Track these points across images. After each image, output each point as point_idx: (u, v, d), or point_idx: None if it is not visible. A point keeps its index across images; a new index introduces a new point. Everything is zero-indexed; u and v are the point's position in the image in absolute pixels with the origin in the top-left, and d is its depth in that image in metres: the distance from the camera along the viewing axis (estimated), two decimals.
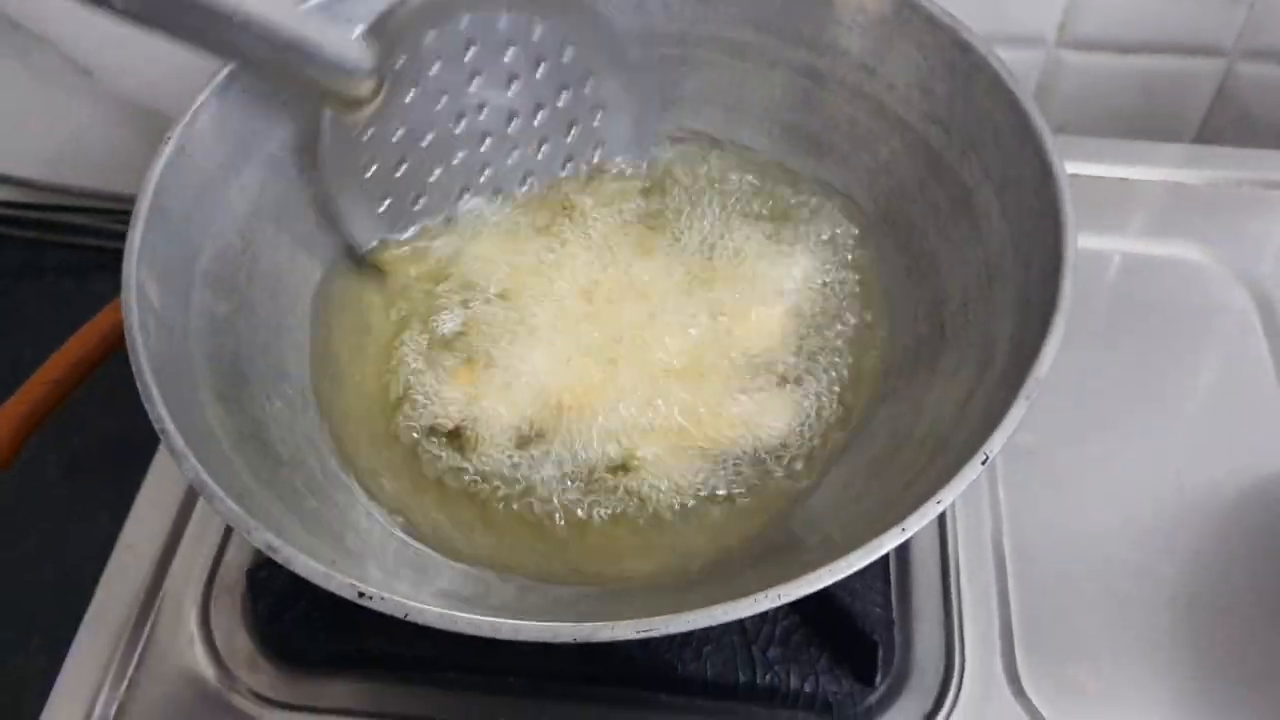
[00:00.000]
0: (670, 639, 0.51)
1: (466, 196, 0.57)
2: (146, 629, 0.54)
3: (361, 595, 0.37)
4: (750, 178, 0.60)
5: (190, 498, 0.58)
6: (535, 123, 0.57)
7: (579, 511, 0.50)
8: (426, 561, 0.49)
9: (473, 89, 0.54)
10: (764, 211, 0.59)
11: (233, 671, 0.52)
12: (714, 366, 0.53)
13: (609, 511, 0.50)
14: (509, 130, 0.56)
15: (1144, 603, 0.54)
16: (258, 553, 0.49)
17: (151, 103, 0.80)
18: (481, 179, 0.57)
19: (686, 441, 0.51)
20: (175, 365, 0.45)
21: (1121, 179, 0.71)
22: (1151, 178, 0.71)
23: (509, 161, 0.58)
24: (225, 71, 0.50)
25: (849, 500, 0.48)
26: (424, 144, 0.54)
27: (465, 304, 0.56)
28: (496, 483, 0.51)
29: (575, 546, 0.49)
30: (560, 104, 0.57)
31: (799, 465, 0.51)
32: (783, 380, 0.53)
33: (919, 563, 0.55)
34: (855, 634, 0.50)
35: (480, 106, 0.55)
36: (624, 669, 0.51)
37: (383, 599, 0.37)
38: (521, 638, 0.36)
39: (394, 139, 0.53)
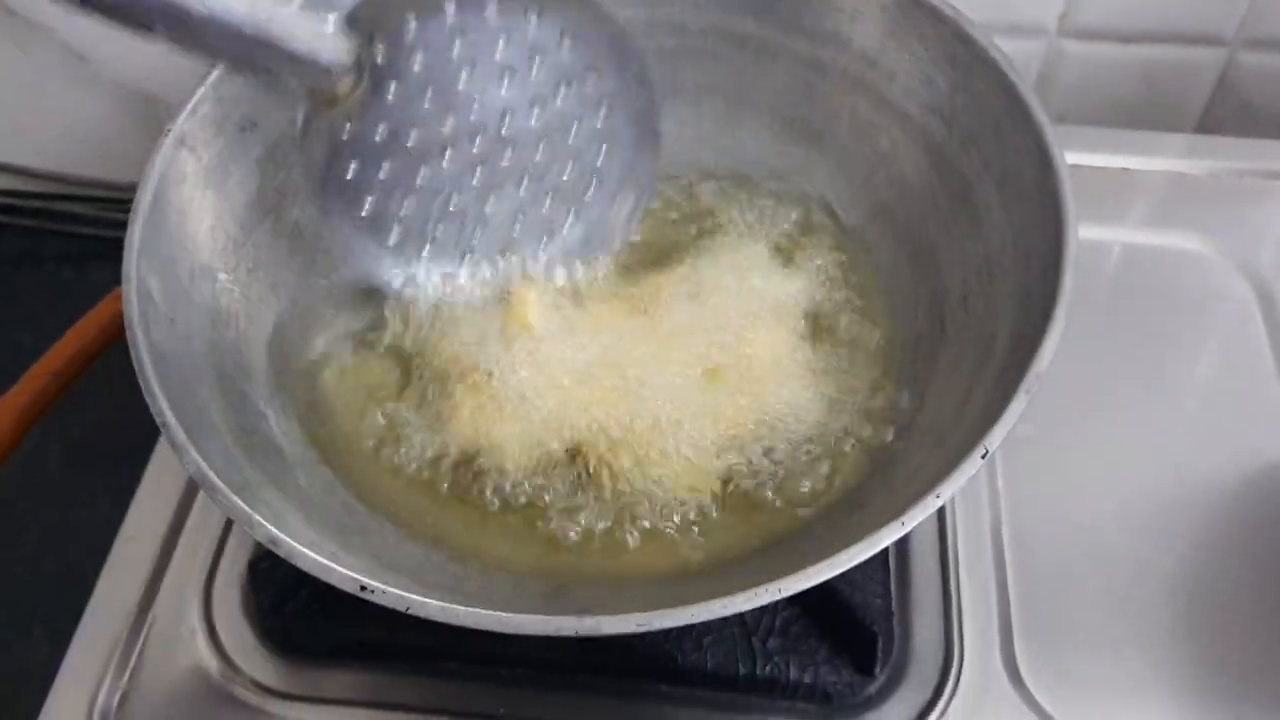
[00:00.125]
0: (670, 630, 0.51)
1: (456, 198, 0.53)
2: (148, 620, 0.54)
3: (363, 589, 0.37)
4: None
5: (192, 489, 0.58)
6: (532, 121, 0.52)
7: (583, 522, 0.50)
8: (426, 554, 0.49)
9: (462, 85, 0.49)
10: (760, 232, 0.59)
11: (234, 662, 0.53)
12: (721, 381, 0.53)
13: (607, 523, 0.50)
14: (503, 130, 0.51)
15: (1143, 593, 0.54)
16: (259, 544, 0.49)
17: (151, 90, 0.80)
18: (474, 181, 0.52)
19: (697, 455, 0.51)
20: (176, 359, 0.45)
21: (1122, 169, 0.71)
22: (1152, 168, 0.71)
23: (503, 163, 0.52)
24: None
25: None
26: (409, 143, 0.50)
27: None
28: (493, 488, 0.51)
29: (580, 550, 0.50)
30: (559, 102, 0.52)
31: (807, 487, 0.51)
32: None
33: (918, 554, 0.55)
34: (855, 625, 0.50)
35: (471, 103, 0.50)
36: (624, 660, 0.51)
37: (384, 592, 0.37)
38: (523, 631, 0.36)
39: (376, 137, 0.49)
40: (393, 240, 0.53)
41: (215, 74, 0.50)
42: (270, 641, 0.53)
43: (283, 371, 0.52)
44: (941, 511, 0.56)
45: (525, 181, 0.53)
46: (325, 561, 0.37)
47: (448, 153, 0.51)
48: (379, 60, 0.47)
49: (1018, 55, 0.49)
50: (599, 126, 0.53)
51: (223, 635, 0.53)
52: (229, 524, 0.57)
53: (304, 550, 0.38)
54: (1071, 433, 0.59)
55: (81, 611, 0.55)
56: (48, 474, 0.72)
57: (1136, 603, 0.54)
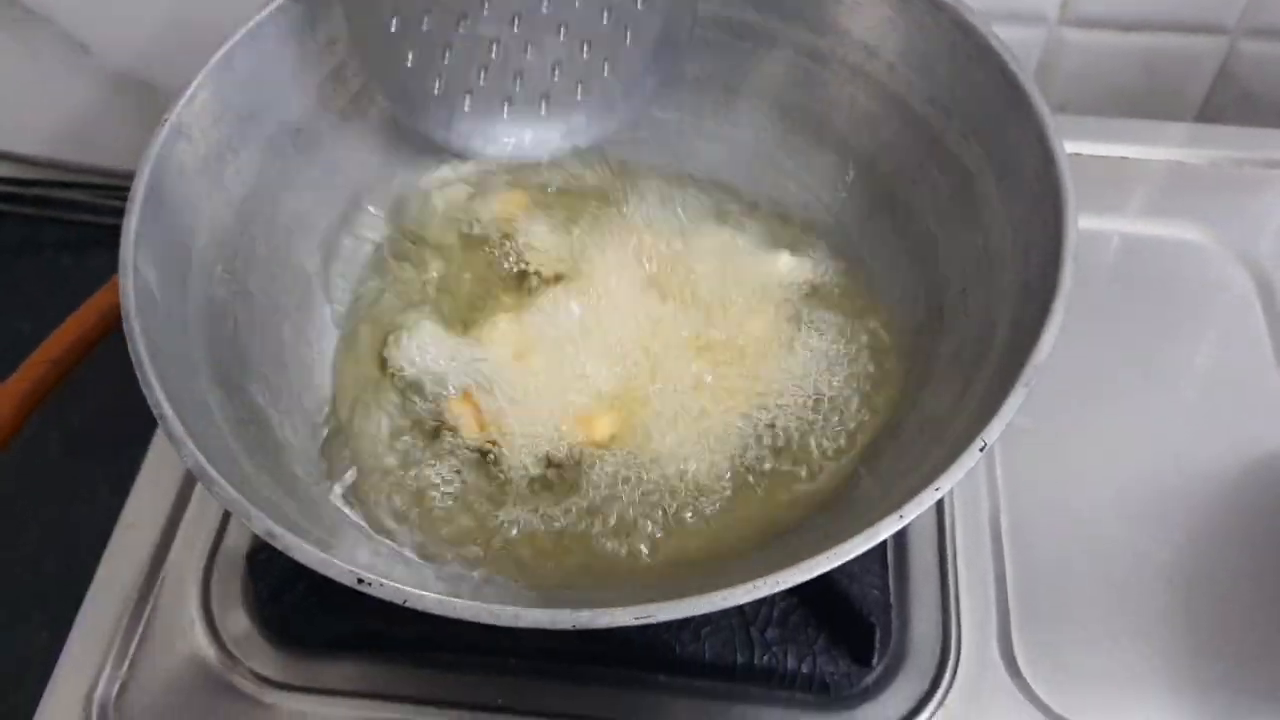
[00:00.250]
0: (668, 620, 0.51)
1: (496, 48, 0.55)
2: (147, 610, 0.54)
3: (361, 582, 0.37)
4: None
5: (190, 479, 0.58)
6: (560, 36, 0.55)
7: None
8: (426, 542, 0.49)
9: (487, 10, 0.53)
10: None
11: (233, 652, 0.53)
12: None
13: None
14: (543, 9, 0.55)
15: (1141, 584, 0.54)
16: (257, 535, 0.49)
17: (149, 78, 0.80)
18: (514, 29, 0.55)
19: (698, 433, 0.52)
20: (174, 350, 0.45)
21: (1122, 158, 0.71)
22: (1152, 157, 0.71)
23: (543, 11, 0.55)
24: (222, 51, 0.50)
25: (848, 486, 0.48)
26: (460, 30, 0.54)
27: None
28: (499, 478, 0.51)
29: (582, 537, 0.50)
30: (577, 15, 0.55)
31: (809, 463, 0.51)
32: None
33: (917, 545, 0.55)
34: (853, 616, 0.50)
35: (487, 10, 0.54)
36: (623, 650, 0.51)
37: (382, 585, 0.37)
38: (521, 624, 0.36)
39: (423, 27, 0.53)
40: (437, 89, 0.55)
41: (212, 63, 0.50)
42: (269, 632, 0.53)
43: (281, 362, 0.52)
44: (940, 503, 0.56)
45: (563, 32, 0.55)
46: (322, 554, 0.37)
47: (487, 3, 0.54)
48: None
49: (1018, 43, 0.49)
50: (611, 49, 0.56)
51: (221, 625, 0.53)
52: (228, 514, 0.57)
53: (301, 543, 0.38)
54: (1070, 424, 0.59)
55: (81, 600, 0.55)
56: (47, 461, 0.72)
57: (1134, 594, 0.54)
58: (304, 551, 0.38)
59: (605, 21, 0.55)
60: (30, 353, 0.56)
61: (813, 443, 0.51)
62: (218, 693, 0.52)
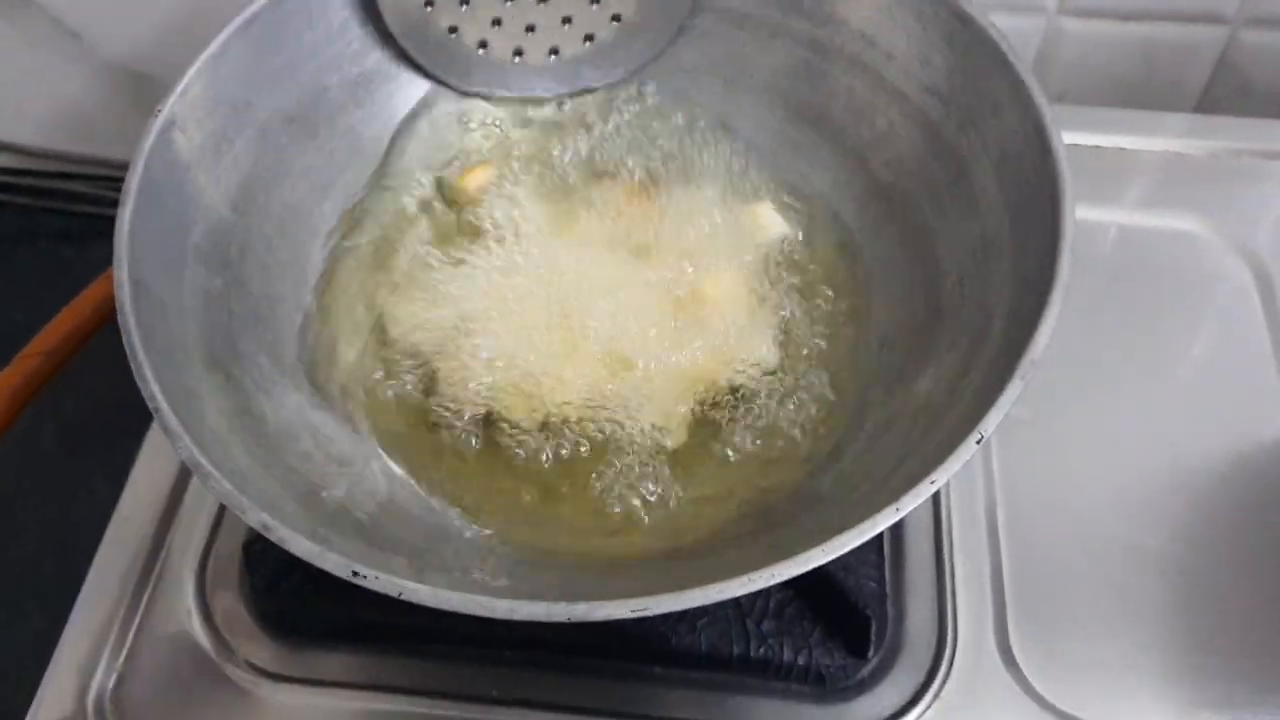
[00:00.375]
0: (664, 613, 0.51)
1: (509, 5, 0.58)
2: (143, 601, 0.54)
3: (356, 574, 0.37)
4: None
5: (186, 470, 0.57)
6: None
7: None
8: (425, 530, 0.49)
9: None
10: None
11: (229, 643, 0.53)
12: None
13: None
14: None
15: (1137, 576, 0.54)
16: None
17: (144, 67, 0.80)
18: (540, 8, 0.58)
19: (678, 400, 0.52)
20: (168, 342, 0.44)
21: (1120, 148, 0.71)
22: (1151, 148, 0.71)
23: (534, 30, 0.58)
24: (217, 42, 0.50)
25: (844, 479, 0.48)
26: None
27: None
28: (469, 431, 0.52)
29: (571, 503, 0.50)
30: None
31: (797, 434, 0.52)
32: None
33: (912, 536, 0.55)
34: (849, 608, 0.50)
35: None
36: (618, 642, 0.51)
37: (377, 578, 0.37)
38: (516, 617, 0.36)
39: None
40: (451, 40, 0.58)
41: (206, 54, 0.50)
42: (265, 623, 0.53)
43: (277, 352, 0.52)
44: (936, 495, 0.56)
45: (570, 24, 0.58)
46: (317, 547, 0.37)
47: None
48: None
49: (1016, 33, 0.49)
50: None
51: (218, 616, 0.54)
52: (223, 506, 0.57)
53: (296, 535, 0.38)
54: (1066, 415, 0.59)
55: (77, 592, 0.55)
56: (42, 454, 0.72)
57: (1130, 586, 0.54)
58: (298, 544, 0.37)
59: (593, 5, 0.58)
60: (26, 344, 0.56)
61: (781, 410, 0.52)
62: (214, 683, 0.52)
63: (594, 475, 0.50)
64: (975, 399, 0.42)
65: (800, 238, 0.57)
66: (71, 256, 0.83)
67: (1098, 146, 0.71)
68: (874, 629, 0.50)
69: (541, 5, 0.58)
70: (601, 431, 0.51)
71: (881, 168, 0.56)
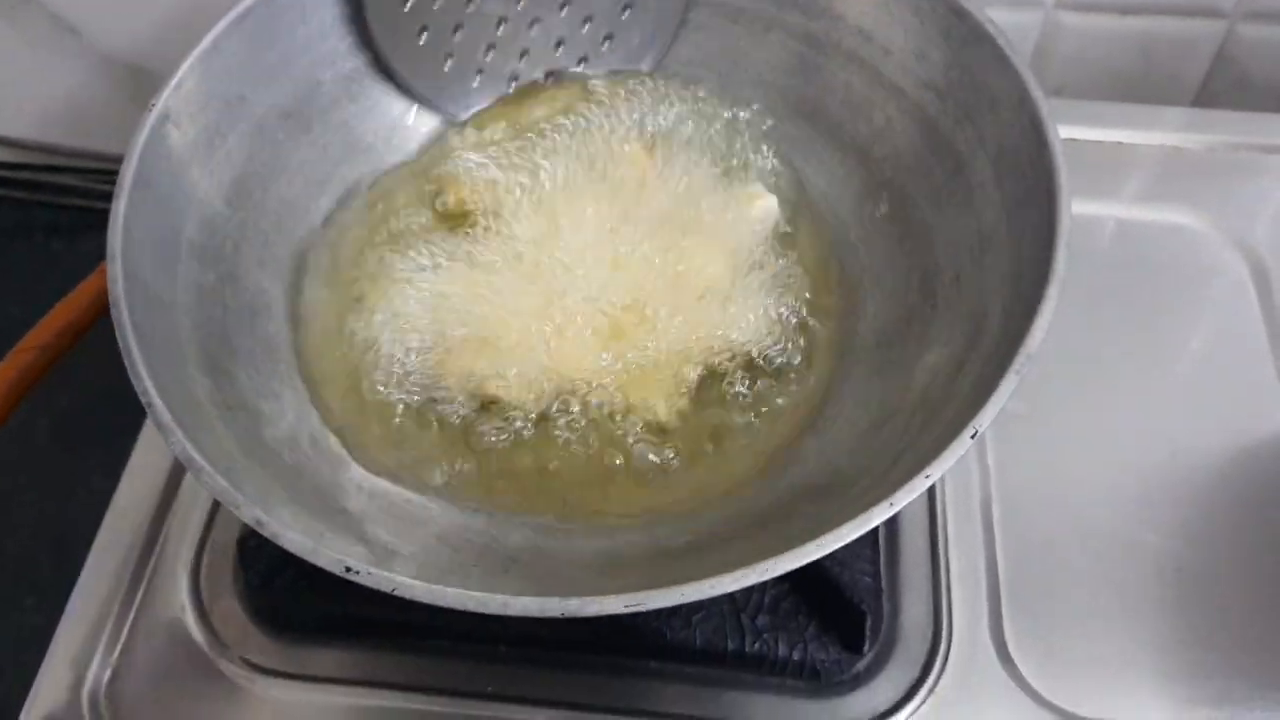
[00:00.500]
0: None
1: (504, 28, 0.58)
2: (138, 596, 0.54)
3: (348, 570, 0.37)
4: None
5: (181, 465, 0.58)
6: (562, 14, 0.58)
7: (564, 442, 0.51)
8: (418, 518, 0.49)
9: None
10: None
11: (223, 639, 0.53)
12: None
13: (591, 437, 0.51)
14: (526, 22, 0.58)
15: (1132, 571, 0.54)
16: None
17: (140, 61, 0.80)
18: (519, 7, 0.58)
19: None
20: (162, 337, 0.44)
21: (1118, 143, 0.71)
22: (1148, 142, 0.71)
23: (527, 43, 0.59)
24: (211, 36, 0.50)
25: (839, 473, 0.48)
26: (468, 8, 0.56)
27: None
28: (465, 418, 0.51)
29: (563, 478, 0.50)
30: None
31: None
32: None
33: (908, 531, 0.55)
34: (844, 603, 0.50)
35: None
36: (613, 637, 0.51)
37: (369, 574, 0.37)
38: (509, 612, 0.36)
39: (435, 6, 0.55)
40: (447, 68, 0.58)
41: (200, 49, 0.50)
42: (259, 618, 0.53)
43: (270, 347, 0.52)
44: (931, 489, 0.56)
45: (565, 9, 0.59)
46: (310, 542, 0.37)
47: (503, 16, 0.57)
48: None
49: (1014, 27, 0.49)
50: (617, 22, 0.59)
51: (212, 612, 0.54)
52: (218, 501, 0.57)
53: (289, 531, 0.38)
54: (1063, 410, 0.59)
55: (73, 586, 0.55)
56: (37, 449, 0.72)
57: (1126, 580, 0.54)
58: (292, 540, 0.37)
59: (585, 26, 0.59)
60: (21, 337, 0.56)
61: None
62: (208, 678, 0.52)
63: (588, 457, 0.50)
64: (971, 393, 0.42)
65: (796, 231, 0.57)
66: (62, 250, 0.83)
67: (1095, 141, 0.70)
68: (869, 624, 0.50)
69: (534, 29, 0.59)
70: (595, 413, 0.51)
71: (878, 163, 0.56)
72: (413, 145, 0.60)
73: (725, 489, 0.50)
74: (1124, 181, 0.69)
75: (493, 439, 0.51)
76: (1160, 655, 0.52)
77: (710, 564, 0.37)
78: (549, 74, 0.60)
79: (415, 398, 0.51)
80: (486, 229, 0.56)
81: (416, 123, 0.60)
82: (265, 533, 0.38)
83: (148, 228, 0.46)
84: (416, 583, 0.37)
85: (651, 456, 0.50)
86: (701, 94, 0.60)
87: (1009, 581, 0.53)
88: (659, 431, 0.51)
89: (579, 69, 0.60)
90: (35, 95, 0.83)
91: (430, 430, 0.51)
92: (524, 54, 0.59)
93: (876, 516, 0.37)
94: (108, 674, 0.52)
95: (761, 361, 0.52)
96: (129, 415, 0.59)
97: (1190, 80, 0.79)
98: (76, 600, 0.54)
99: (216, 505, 0.57)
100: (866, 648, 0.51)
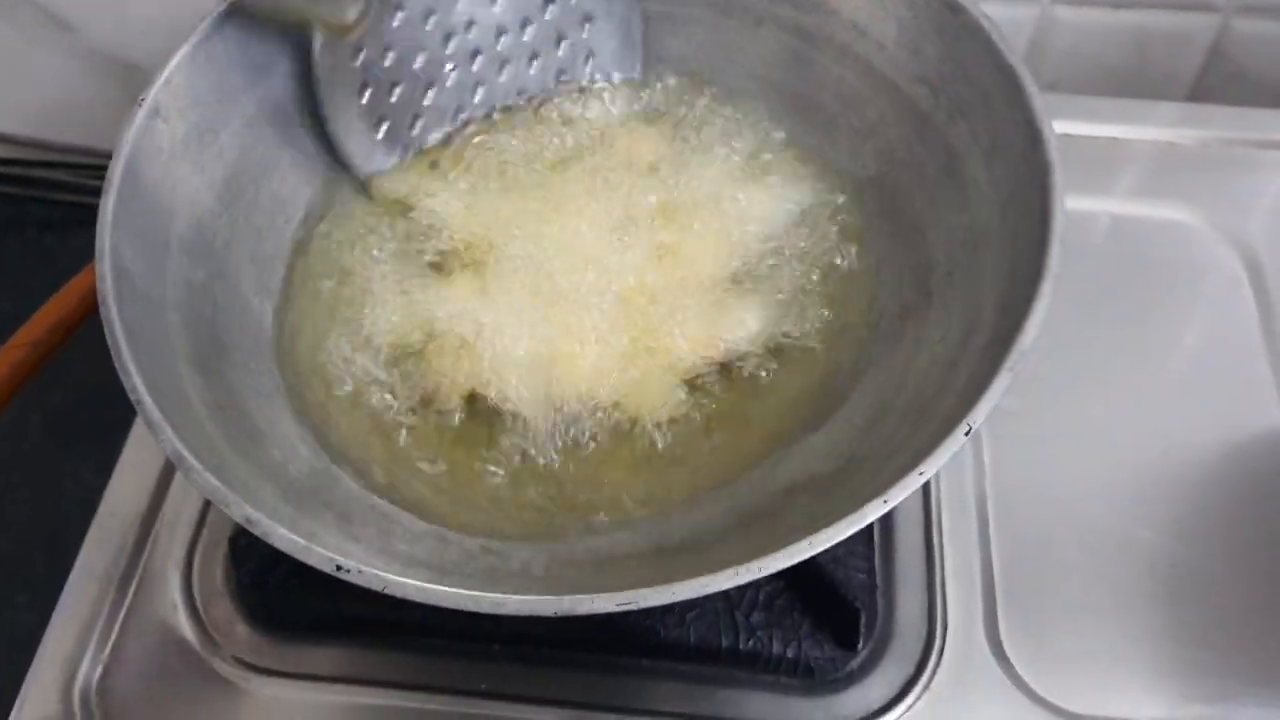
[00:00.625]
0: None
1: (461, 117, 0.58)
2: (130, 594, 0.54)
3: (340, 569, 0.36)
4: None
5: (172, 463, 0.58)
6: (525, 38, 0.58)
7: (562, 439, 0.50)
8: (410, 521, 0.48)
9: (460, 6, 0.55)
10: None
11: (215, 637, 0.53)
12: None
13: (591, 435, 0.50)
14: (499, 47, 0.57)
15: (1127, 568, 0.54)
16: None
17: (132, 58, 0.79)
18: (475, 99, 0.58)
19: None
20: (151, 334, 0.44)
21: (1112, 138, 0.70)
22: (1143, 137, 0.71)
23: (501, 79, 0.58)
24: (200, 31, 0.49)
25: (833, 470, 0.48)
26: (416, 66, 0.55)
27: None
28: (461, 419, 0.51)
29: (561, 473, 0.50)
30: (547, 17, 0.58)
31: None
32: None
33: (902, 528, 0.55)
34: (838, 600, 0.50)
35: (469, 24, 0.56)
36: (606, 635, 0.51)
37: (360, 572, 0.36)
38: (502, 611, 0.36)
39: (386, 63, 0.54)
40: (406, 150, 0.57)
41: (189, 44, 0.49)
42: (251, 616, 0.53)
43: (259, 345, 0.51)
44: (926, 486, 0.56)
45: (528, 30, 0.58)
46: (301, 541, 0.37)
47: (452, 74, 0.57)
48: None
49: (1009, 22, 0.49)
50: (584, 38, 0.59)
51: (203, 610, 0.53)
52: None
53: (280, 529, 0.37)
54: (1057, 406, 0.59)
55: (65, 584, 0.54)
56: (29, 445, 0.71)
57: (1121, 578, 0.54)
58: (282, 538, 0.37)
59: (560, 46, 0.59)
60: (12, 333, 0.56)
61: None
62: (200, 677, 0.51)
63: (586, 458, 0.50)
64: (965, 390, 0.42)
65: (793, 225, 0.57)
66: (54, 245, 0.83)
67: (1090, 136, 0.70)
68: (863, 621, 0.50)
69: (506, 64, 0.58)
70: (592, 409, 0.51)
71: (871, 158, 0.56)
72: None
73: (720, 480, 0.49)
74: (1118, 177, 0.69)
75: (487, 438, 0.50)
76: (1154, 651, 0.52)
77: (703, 562, 0.37)
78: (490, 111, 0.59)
79: (408, 399, 0.51)
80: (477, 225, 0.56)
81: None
82: (256, 531, 0.37)
83: (137, 224, 0.46)
84: (408, 581, 0.36)
85: (648, 446, 0.50)
86: (702, 94, 0.60)
87: (1003, 578, 0.53)
88: (656, 423, 0.51)
89: (569, 80, 0.60)
90: (29, 91, 0.83)
91: (422, 430, 0.51)
92: (506, 70, 0.59)
93: (871, 513, 0.37)
94: (99, 672, 0.52)
95: (756, 357, 0.52)
96: (121, 411, 0.58)
97: (1185, 75, 0.79)
98: (67, 598, 0.54)
99: (208, 503, 0.56)
100: (861, 645, 0.51)
